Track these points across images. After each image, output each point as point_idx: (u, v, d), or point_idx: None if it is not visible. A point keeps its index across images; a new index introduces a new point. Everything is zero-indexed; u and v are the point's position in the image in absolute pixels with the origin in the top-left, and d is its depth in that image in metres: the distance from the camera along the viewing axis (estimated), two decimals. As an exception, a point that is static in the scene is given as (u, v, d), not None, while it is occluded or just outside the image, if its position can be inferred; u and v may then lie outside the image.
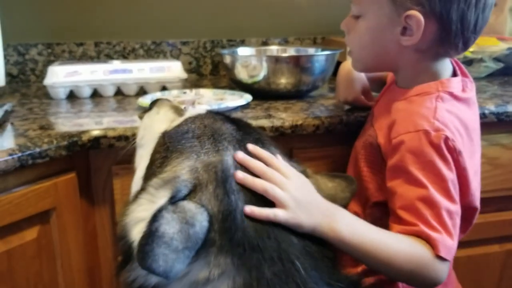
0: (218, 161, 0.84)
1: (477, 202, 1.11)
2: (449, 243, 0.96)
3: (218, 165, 0.83)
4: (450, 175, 1.01)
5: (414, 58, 1.11)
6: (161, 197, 0.78)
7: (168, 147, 0.90)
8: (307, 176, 0.97)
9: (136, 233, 0.76)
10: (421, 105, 1.07)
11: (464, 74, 1.16)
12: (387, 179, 1.07)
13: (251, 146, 0.89)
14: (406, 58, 1.12)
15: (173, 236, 0.72)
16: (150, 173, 0.89)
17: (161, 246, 0.71)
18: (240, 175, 0.83)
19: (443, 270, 0.97)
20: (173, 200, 0.77)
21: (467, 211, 1.08)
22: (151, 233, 0.71)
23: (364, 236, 0.93)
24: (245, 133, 0.93)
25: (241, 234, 0.78)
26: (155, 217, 0.73)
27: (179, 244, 0.72)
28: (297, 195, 0.87)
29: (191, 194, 0.79)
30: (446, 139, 1.01)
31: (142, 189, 0.82)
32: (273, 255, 0.79)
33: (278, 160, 0.91)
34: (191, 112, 1.02)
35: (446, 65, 1.14)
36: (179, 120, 0.99)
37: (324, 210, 0.90)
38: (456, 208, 1.00)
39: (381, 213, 1.14)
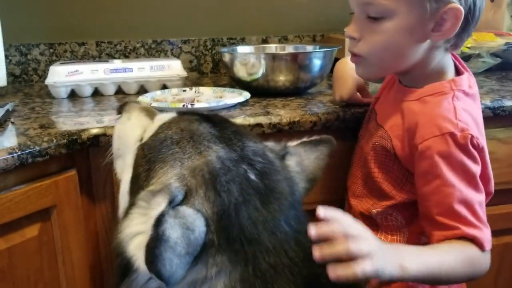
0: (203, 163, 0.83)
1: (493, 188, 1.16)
2: (488, 235, 1.03)
3: (204, 168, 0.82)
4: (478, 169, 1.05)
5: (427, 56, 1.10)
6: (157, 205, 0.76)
7: (149, 158, 0.88)
8: (289, 153, 0.98)
9: (133, 248, 0.75)
10: (439, 106, 1.07)
11: (464, 69, 1.17)
12: (418, 186, 1.08)
13: (322, 212, 0.82)
14: (420, 56, 1.10)
15: (177, 241, 0.72)
16: (136, 188, 0.88)
17: (168, 251, 0.71)
18: (317, 254, 0.80)
19: (489, 259, 1.04)
20: (172, 205, 0.76)
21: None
22: (158, 237, 0.71)
23: (428, 265, 0.95)
24: (221, 128, 0.92)
25: (237, 230, 0.78)
26: (159, 221, 0.72)
27: (182, 250, 0.72)
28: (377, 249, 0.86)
29: (184, 200, 0.79)
30: (472, 138, 1.03)
31: (132, 204, 0.80)
32: (269, 246, 0.80)
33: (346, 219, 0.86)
34: (163, 115, 1.00)
35: (449, 61, 1.15)
36: (154, 126, 0.97)
37: (391, 253, 0.91)
38: (483, 196, 1.06)
39: (392, 210, 1.17)
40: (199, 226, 0.75)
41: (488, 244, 1.02)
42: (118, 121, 1.10)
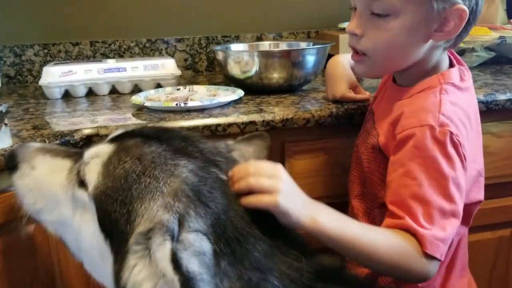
0: (181, 183, 0.81)
1: (479, 195, 1.13)
2: (438, 241, 0.95)
3: (184, 187, 0.80)
4: (452, 173, 0.99)
5: (427, 54, 1.10)
6: (158, 245, 0.74)
7: (122, 200, 0.82)
8: (229, 150, 0.99)
9: None
10: (425, 100, 1.06)
11: (459, 63, 1.16)
12: (387, 174, 1.06)
13: (231, 173, 0.87)
14: (421, 55, 1.09)
15: (200, 271, 0.71)
16: (117, 235, 0.82)
17: (201, 285, 0.70)
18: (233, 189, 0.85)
19: (431, 266, 0.96)
20: (175, 239, 0.74)
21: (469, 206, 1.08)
22: (186, 278, 0.69)
23: (345, 228, 0.93)
24: (168, 140, 0.89)
25: (231, 231, 0.79)
26: (176, 262, 0.70)
27: (207, 276, 0.71)
28: (285, 187, 0.88)
29: (180, 227, 0.76)
30: (451, 134, 1.00)
31: (125, 252, 0.77)
32: (259, 234, 0.81)
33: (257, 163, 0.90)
34: (92, 151, 0.91)
35: (445, 58, 1.14)
36: (95, 166, 0.88)
37: (307, 203, 0.91)
38: (453, 208, 0.98)
39: None
40: (206, 245, 0.75)
41: (431, 248, 0.94)
42: (17, 176, 0.97)
